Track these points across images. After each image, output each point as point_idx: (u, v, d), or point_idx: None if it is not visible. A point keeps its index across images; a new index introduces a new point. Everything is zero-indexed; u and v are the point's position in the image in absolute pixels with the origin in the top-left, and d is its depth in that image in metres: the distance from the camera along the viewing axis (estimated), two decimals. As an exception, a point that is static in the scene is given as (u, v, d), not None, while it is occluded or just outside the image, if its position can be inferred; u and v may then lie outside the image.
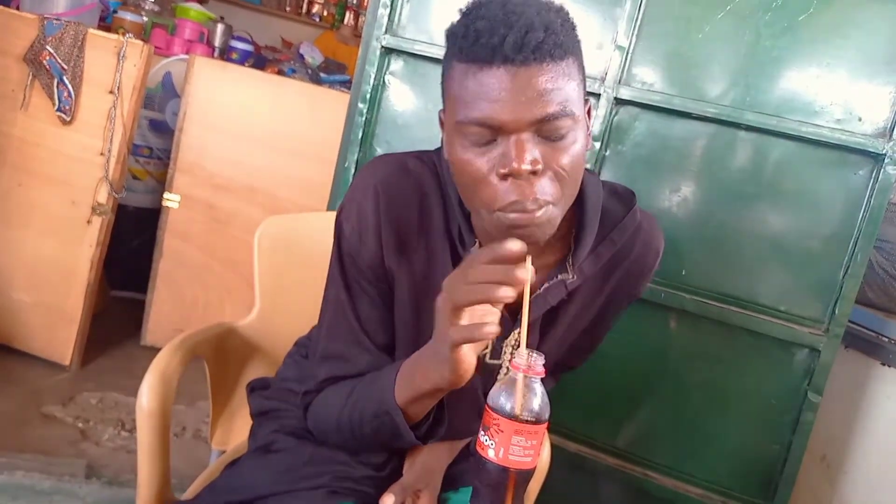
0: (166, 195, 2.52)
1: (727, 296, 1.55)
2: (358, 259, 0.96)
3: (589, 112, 0.88)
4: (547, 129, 0.79)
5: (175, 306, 2.59)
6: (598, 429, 1.65)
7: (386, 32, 1.72)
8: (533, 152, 0.78)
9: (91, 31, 2.24)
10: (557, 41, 0.77)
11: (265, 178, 2.54)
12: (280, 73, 3.27)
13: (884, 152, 1.43)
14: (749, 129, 1.52)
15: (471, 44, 0.78)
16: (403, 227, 0.95)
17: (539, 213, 0.80)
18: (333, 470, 1.01)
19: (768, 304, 1.53)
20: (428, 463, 1.03)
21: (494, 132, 0.79)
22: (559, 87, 0.78)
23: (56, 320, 2.31)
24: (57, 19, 2.24)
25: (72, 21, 2.24)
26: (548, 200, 0.81)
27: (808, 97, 1.49)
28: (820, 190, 1.50)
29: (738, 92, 1.52)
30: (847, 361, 1.78)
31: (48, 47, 2.21)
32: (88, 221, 2.27)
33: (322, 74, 3.53)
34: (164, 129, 2.90)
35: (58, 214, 2.28)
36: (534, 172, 0.79)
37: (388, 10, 1.71)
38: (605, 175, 1.60)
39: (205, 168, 2.52)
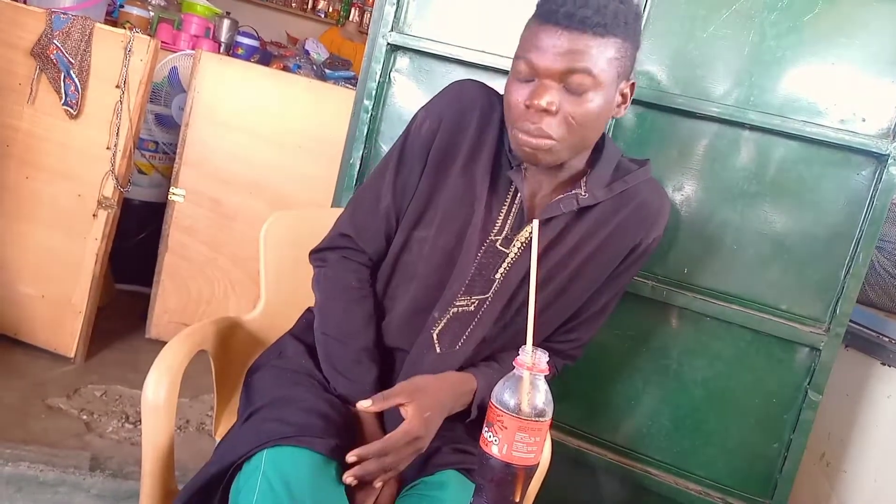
0: (172, 189, 2.53)
1: (729, 294, 1.56)
2: (417, 136, 1.20)
3: (632, 88, 1.12)
4: (569, 83, 1.02)
5: (180, 300, 2.60)
6: (599, 425, 1.66)
7: (392, 30, 1.72)
8: (551, 96, 1.02)
9: (98, 25, 2.25)
10: (602, 21, 0.99)
11: (271, 174, 2.55)
12: (285, 68, 3.28)
13: (887, 153, 1.43)
14: (753, 128, 1.52)
15: (542, 4, 1.04)
16: (462, 129, 1.17)
17: (537, 141, 1.05)
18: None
19: (770, 303, 1.54)
20: (421, 383, 1.09)
21: (533, 73, 1.04)
22: (589, 53, 1.01)
23: (61, 313, 2.32)
24: (64, 13, 2.25)
25: (79, 15, 2.25)
26: (550, 135, 1.04)
27: (812, 97, 1.49)
28: (823, 190, 1.50)
29: (743, 91, 1.52)
30: (847, 361, 1.79)
31: (55, 41, 2.22)
32: (94, 215, 2.28)
33: (327, 70, 3.54)
34: (169, 124, 2.91)
35: (64, 208, 2.29)
36: (546, 111, 1.02)
37: (394, 7, 1.72)
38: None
39: (211, 163, 2.53)
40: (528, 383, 0.85)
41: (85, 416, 2.06)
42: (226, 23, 3.37)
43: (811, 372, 1.51)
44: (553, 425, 1.65)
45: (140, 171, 2.89)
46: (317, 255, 1.26)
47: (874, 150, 1.45)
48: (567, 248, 1.15)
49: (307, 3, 5.13)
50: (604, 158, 1.17)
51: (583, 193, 1.14)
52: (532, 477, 0.88)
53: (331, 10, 5.08)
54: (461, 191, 1.16)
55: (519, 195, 1.15)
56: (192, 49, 2.86)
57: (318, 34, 4.67)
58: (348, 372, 1.14)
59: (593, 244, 1.16)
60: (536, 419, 0.85)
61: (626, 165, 1.20)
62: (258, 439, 0.98)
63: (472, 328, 1.15)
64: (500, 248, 1.15)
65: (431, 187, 1.18)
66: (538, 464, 0.87)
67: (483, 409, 1.11)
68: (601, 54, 1.01)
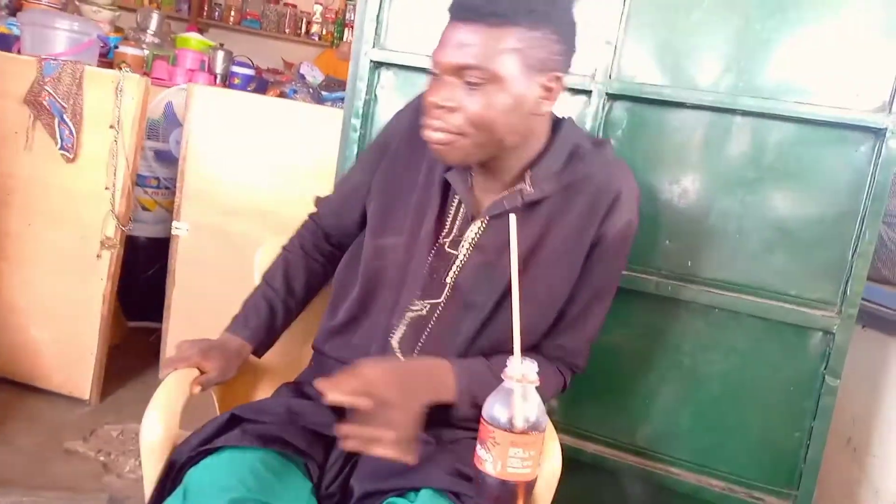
0: (175, 224, 2.53)
1: (735, 284, 1.52)
2: (383, 132, 1.27)
3: (558, 81, 1.05)
4: (467, 79, 0.99)
5: (191, 334, 2.57)
6: (615, 428, 1.62)
7: (374, 46, 1.72)
8: (447, 92, 1.00)
9: (88, 67, 2.26)
10: (495, 10, 0.96)
11: (272, 200, 2.53)
12: (282, 94, 3.28)
13: (885, 126, 1.39)
14: (745, 113, 1.49)
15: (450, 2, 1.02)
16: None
17: (437, 136, 1.02)
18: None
19: (778, 290, 1.50)
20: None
21: (436, 69, 1.02)
22: (482, 45, 0.97)
23: (73, 356, 2.32)
24: (54, 59, 2.26)
25: (69, 60, 2.27)
26: (448, 129, 1.01)
27: (804, 77, 1.46)
28: (822, 170, 1.46)
29: (731, 77, 1.49)
30: (866, 341, 1.75)
31: (47, 87, 2.23)
32: (98, 256, 2.28)
33: (323, 93, 3.54)
34: (169, 159, 2.91)
35: (68, 251, 2.30)
36: (441, 107, 1.01)
37: (374, 23, 1.71)
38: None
39: (211, 194, 2.52)
40: (520, 396, 0.83)
41: (102, 458, 2.05)
42: (220, 54, 3.38)
43: (826, 356, 1.47)
44: (568, 431, 1.63)
45: (144, 208, 2.89)
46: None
47: (871, 124, 1.41)
48: (524, 247, 1.08)
49: (300, 28, 5.15)
50: (553, 149, 1.11)
51: (528, 188, 1.09)
52: (532, 491, 0.86)
53: (324, 32, 5.10)
54: (425, 196, 1.16)
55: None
56: (189, 83, 2.86)
57: (314, 57, 4.68)
58: (243, 307, 1.30)
59: (550, 241, 1.11)
60: (529, 432, 0.82)
61: (582, 151, 1.13)
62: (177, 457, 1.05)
63: (427, 334, 1.13)
64: (449, 250, 1.13)
65: (394, 191, 1.19)
66: (536, 478, 0.85)
67: (472, 395, 1.05)
68: (496, 46, 0.97)
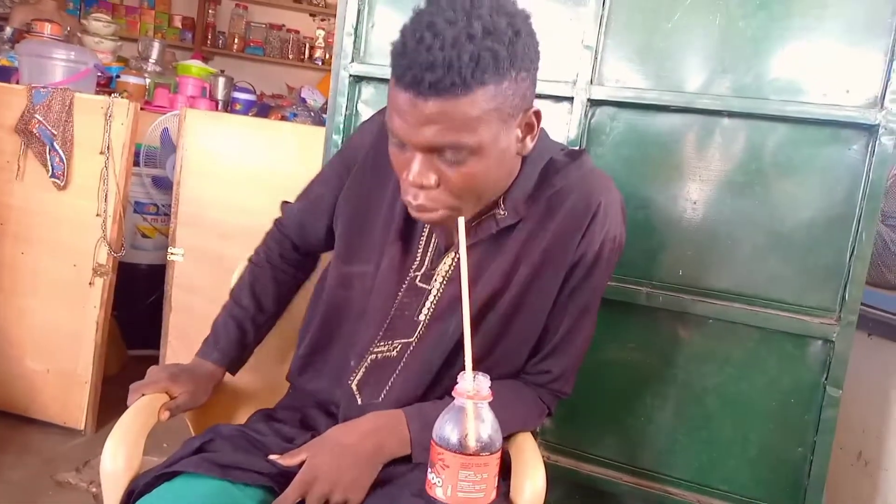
0: (170, 249, 2.51)
1: (729, 293, 1.46)
2: (349, 146, 1.18)
3: (537, 116, 0.95)
4: (442, 154, 0.87)
5: (189, 360, 2.56)
6: (609, 447, 1.55)
7: (353, 61, 1.69)
8: (423, 172, 0.88)
9: (78, 94, 2.26)
10: (458, 79, 0.81)
11: (268, 222, 2.51)
12: (283, 118, 3.29)
13: (877, 122, 1.33)
14: (732, 115, 1.44)
15: (392, 60, 0.86)
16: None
17: (426, 216, 0.93)
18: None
19: (774, 298, 1.43)
20: (327, 433, 1.02)
21: (401, 139, 0.89)
22: (454, 120, 0.83)
23: (68, 385, 2.30)
24: (44, 87, 2.26)
25: (59, 88, 2.27)
26: (436, 208, 0.92)
27: (791, 74, 1.40)
28: (815, 170, 1.40)
29: (717, 78, 1.44)
30: (873, 350, 1.66)
31: (37, 115, 2.23)
32: (91, 283, 2.26)
33: (324, 115, 3.53)
34: (167, 186, 2.90)
35: (61, 279, 2.28)
36: (422, 186, 0.89)
37: (352, 37, 1.69)
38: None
39: (206, 218, 2.50)
40: (472, 414, 0.78)
41: (94, 489, 2.01)
42: (221, 80, 3.39)
43: (827, 366, 1.39)
44: (560, 451, 1.56)
45: (143, 236, 2.89)
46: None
47: (863, 121, 1.35)
48: (501, 272, 1.02)
49: (304, 53, 5.19)
50: (526, 169, 1.01)
51: (501, 212, 1.01)
52: (491, 516, 0.80)
53: (327, 56, 5.13)
54: (392, 224, 1.07)
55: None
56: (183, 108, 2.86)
57: (317, 81, 4.70)
58: (213, 328, 1.28)
59: (529, 262, 1.02)
60: (481, 454, 0.77)
61: (557, 165, 1.04)
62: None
63: (395, 376, 1.04)
64: (421, 284, 1.05)
65: (361, 214, 1.11)
66: (491, 502, 0.79)
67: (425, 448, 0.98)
68: (470, 115, 0.83)
